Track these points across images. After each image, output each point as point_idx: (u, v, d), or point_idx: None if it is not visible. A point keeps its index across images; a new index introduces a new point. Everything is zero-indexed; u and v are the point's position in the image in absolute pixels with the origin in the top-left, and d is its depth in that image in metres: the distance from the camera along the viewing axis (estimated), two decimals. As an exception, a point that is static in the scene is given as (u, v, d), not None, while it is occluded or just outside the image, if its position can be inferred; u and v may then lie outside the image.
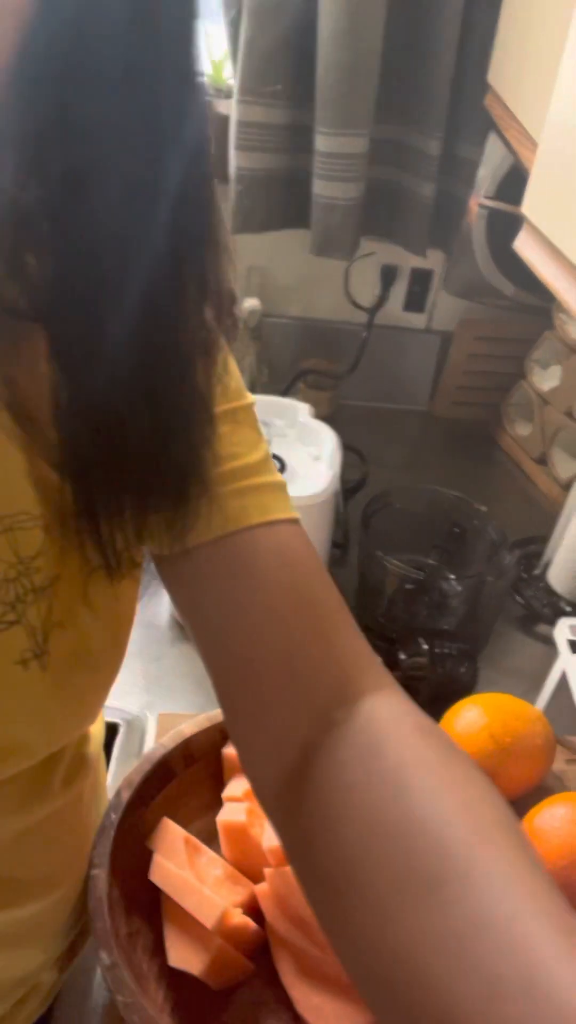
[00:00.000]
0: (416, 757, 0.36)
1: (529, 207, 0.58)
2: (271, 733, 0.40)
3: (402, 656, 0.77)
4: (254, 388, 1.23)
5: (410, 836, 0.32)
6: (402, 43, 0.97)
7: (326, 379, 1.26)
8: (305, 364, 1.27)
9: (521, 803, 0.65)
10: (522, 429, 1.24)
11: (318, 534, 0.91)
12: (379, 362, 1.29)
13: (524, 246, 0.58)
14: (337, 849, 0.35)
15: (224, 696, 0.42)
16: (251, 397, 0.44)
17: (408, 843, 0.32)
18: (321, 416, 1.07)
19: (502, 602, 0.92)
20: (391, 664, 0.77)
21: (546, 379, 1.19)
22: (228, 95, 1.05)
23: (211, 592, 0.41)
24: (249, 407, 0.44)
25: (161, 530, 0.39)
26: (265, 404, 0.95)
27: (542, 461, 1.19)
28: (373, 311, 1.26)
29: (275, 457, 0.87)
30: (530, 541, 1.03)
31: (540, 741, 0.67)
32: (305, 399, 1.23)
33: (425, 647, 0.77)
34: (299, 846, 0.38)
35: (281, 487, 0.43)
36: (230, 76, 1.05)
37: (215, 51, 1.13)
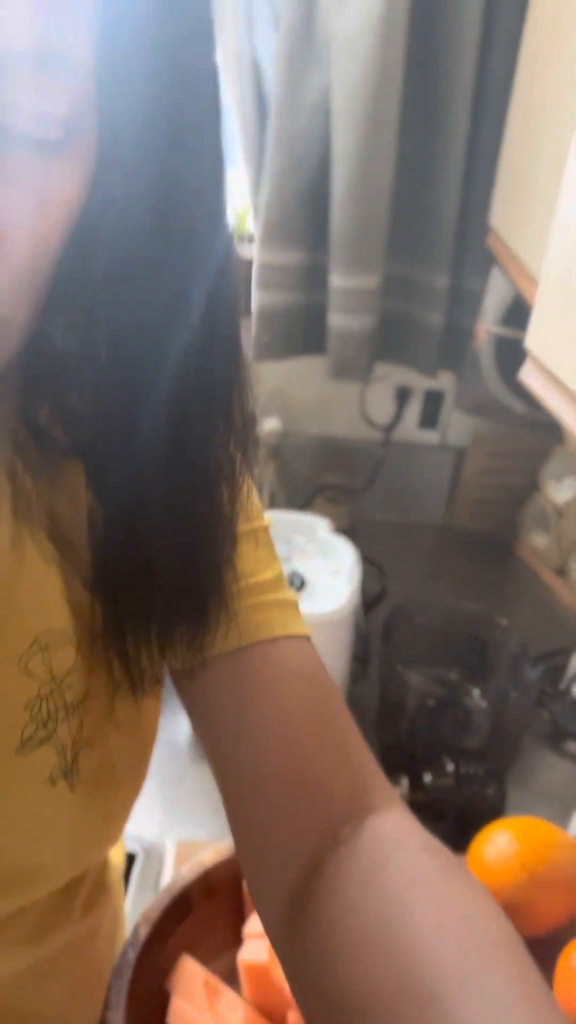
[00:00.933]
0: (417, 876, 0.35)
1: (533, 341, 0.62)
2: (279, 849, 0.40)
3: (427, 778, 0.76)
4: (274, 504, 1.26)
5: (406, 954, 0.32)
6: (409, 191, 1.06)
7: (344, 494, 1.30)
8: (323, 480, 1.31)
9: (556, 938, 0.61)
10: (539, 540, 1.26)
11: (339, 648, 0.91)
12: (395, 477, 1.33)
13: (530, 377, 0.62)
14: (335, 970, 0.34)
15: (233, 811, 0.42)
16: (267, 519, 0.47)
17: (404, 962, 0.31)
18: (339, 530, 1.10)
19: (527, 718, 0.91)
20: (415, 785, 0.76)
21: (560, 492, 1.21)
22: (251, 240, 1.14)
23: (225, 704, 0.42)
24: (266, 528, 0.46)
25: (182, 644, 0.41)
26: (285, 520, 0.98)
27: (561, 572, 1.19)
28: (388, 429, 1.31)
29: (295, 573, 0.89)
30: (554, 654, 1.02)
31: (574, 870, 0.64)
32: (323, 513, 1.26)
33: (450, 768, 0.76)
34: (298, 966, 0.37)
35: (294, 605, 0.45)
36: (252, 224, 1.15)
37: (238, 203, 1.24)
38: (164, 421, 0.34)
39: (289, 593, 0.45)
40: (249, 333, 1.14)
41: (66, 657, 0.39)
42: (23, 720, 0.38)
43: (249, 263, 1.14)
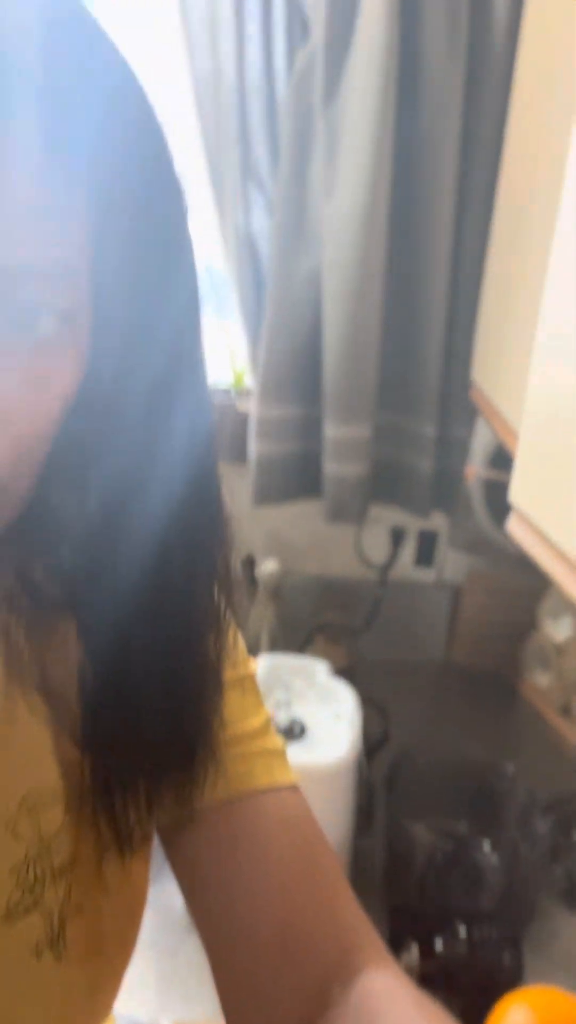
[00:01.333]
0: None
1: (516, 495, 0.65)
2: (268, 1014, 0.38)
3: (439, 945, 0.72)
4: (274, 645, 1.26)
5: None
6: (396, 350, 1.14)
7: (343, 633, 1.30)
8: (322, 619, 1.31)
9: None
10: (541, 678, 1.25)
11: (342, 798, 0.88)
12: (393, 616, 1.34)
13: (516, 529, 0.64)
14: None
15: (221, 974, 0.40)
16: (253, 666, 0.47)
17: None
18: (339, 670, 1.09)
19: (541, 873, 0.87)
20: (426, 953, 0.71)
21: (558, 629, 1.22)
22: (249, 395, 1.21)
23: (212, 859, 0.41)
24: (252, 676, 0.47)
25: (170, 796, 0.40)
26: (284, 664, 0.98)
27: (566, 712, 1.18)
28: (385, 569, 1.33)
29: (295, 720, 0.88)
30: (564, 801, 0.99)
31: (600, 1050, 0.60)
32: (322, 653, 1.26)
33: (463, 932, 0.72)
34: None
35: (281, 753, 0.45)
36: (250, 381, 1.22)
37: (237, 362, 1.33)
38: (150, 574, 0.36)
39: (276, 741, 0.45)
40: (248, 480, 1.19)
41: (54, 817, 0.38)
42: (9, 886, 0.37)
43: (247, 416, 1.21)
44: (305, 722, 0.89)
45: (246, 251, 1.14)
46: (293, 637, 1.29)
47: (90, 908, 0.39)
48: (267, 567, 1.26)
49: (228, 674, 0.43)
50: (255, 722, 0.45)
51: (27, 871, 0.37)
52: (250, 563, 1.31)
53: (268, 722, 0.46)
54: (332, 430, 1.13)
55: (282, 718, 0.87)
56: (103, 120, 0.26)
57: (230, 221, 1.14)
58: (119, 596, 0.36)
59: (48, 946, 0.37)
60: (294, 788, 0.44)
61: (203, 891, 0.41)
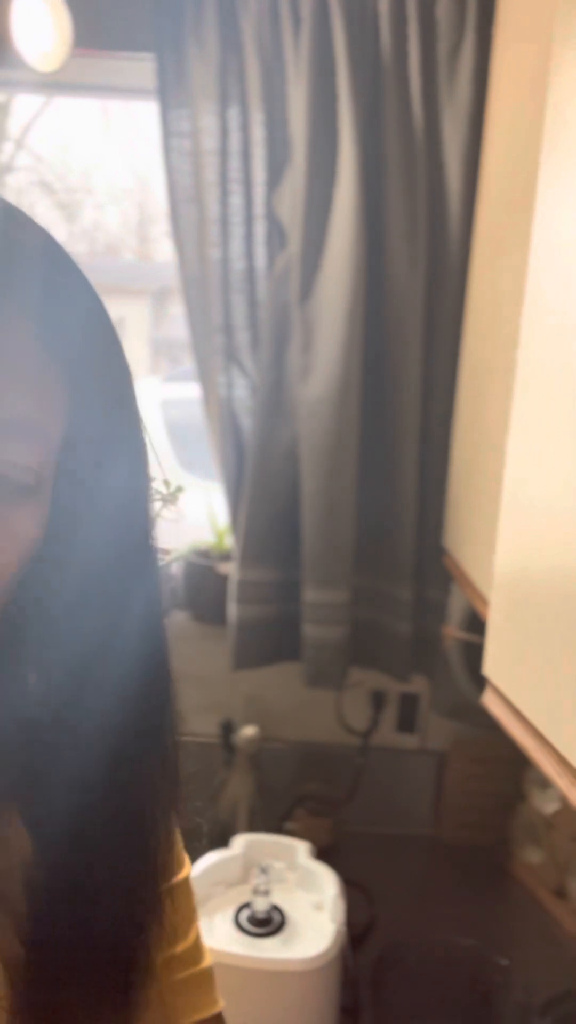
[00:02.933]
0: None
1: (489, 668, 0.66)
2: None
3: None
4: (253, 816, 1.21)
5: None
6: (371, 518, 1.18)
7: (326, 805, 1.25)
8: (303, 789, 1.26)
9: None
10: (533, 855, 1.19)
11: (324, 998, 0.81)
12: (377, 785, 1.29)
13: (491, 704, 0.65)
14: None
15: None
16: (189, 867, 0.46)
17: None
18: (322, 846, 1.04)
19: None
20: None
21: (547, 801, 1.18)
22: (229, 559, 1.24)
23: None
24: (187, 879, 0.45)
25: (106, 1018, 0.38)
26: (264, 844, 0.93)
27: (560, 894, 1.11)
28: (366, 735, 1.30)
29: (275, 908, 0.83)
30: (562, 999, 0.92)
31: None
32: (304, 827, 1.21)
33: None
34: None
35: (209, 975, 0.44)
36: (230, 544, 1.26)
37: (219, 522, 1.37)
38: (99, 763, 0.36)
39: (205, 959, 0.44)
40: (228, 643, 1.19)
41: None
42: None
43: (226, 579, 1.23)
44: (285, 910, 0.84)
45: (228, 424, 1.21)
46: (273, 808, 1.24)
47: None
48: (246, 733, 1.23)
49: (169, 883, 0.42)
50: (189, 939, 0.43)
51: None
52: (228, 728, 1.28)
53: (198, 936, 0.44)
54: (311, 594, 1.15)
55: (260, 906, 0.81)
56: (73, 324, 0.32)
57: (214, 397, 1.21)
58: (65, 788, 0.36)
59: None
60: (220, 1016, 0.43)
61: None
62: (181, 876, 0.45)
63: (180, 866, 0.45)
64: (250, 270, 1.16)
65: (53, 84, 1.33)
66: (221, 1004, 0.44)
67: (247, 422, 1.21)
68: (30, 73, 1.10)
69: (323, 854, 0.98)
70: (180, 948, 0.42)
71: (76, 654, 0.35)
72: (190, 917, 0.44)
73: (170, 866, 0.43)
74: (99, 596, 0.35)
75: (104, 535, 0.35)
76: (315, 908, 0.86)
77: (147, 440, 0.37)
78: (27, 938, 0.36)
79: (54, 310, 0.31)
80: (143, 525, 0.37)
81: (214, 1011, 0.43)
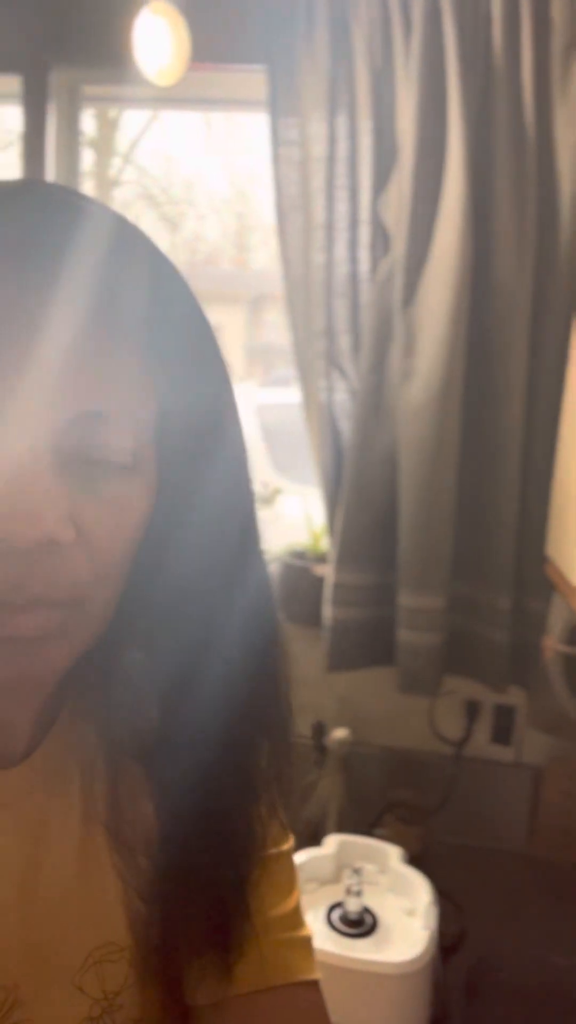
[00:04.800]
0: None
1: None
2: None
3: None
4: (342, 819, 1.21)
5: None
6: (470, 524, 1.16)
7: (416, 813, 1.23)
8: (393, 796, 1.26)
9: None
10: None
11: (414, 1004, 0.81)
12: (469, 796, 1.27)
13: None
14: None
15: None
16: (291, 841, 0.47)
17: None
18: (412, 854, 1.03)
19: None
20: None
21: None
22: (325, 560, 1.25)
23: None
24: (289, 853, 0.47)
25: (212, 972, 0.40)
26: (355, 846, 0.93)
27: None
28: (460, 745, 1.28)
29: (366, 910, 0.83)
30: None
31: None
32: (394, 833, 1.20)
33: None
34: None
35: (308, 943, 0.45)
36: (327, 546, 1.27)
37: (315, 524, 1.38)
38: (216, 731, 0.38)
39: (305, 928, 0.45)
40: (323, 644, 1.20)
41: (119, 972, 0.38)
42: None
43: (322, 580, 1.24)
44: (377, 914, 0.83)
45: (327, 427, 1.22)
46: (363, 813, 1.23)
47: None
48: (337, 735, 1.24)
49: (271, 851, 0.44)
50: (288, 905, 0.45)
51: None
52: (320, 730, 1.28)
53: (299, 905, 0.46)
54: (406, 599, 1.14)
55: (352, 907, 0.82)
56: (172, 323, 0.34)
57: (313, 401, 1.23)
58: (188, 754, 0.38)
59: None
60: (314, 984, 0.43)
61: None
62: (283, 848, 0.46)
63: (282, 839, 0.46)
64: (353, 275, 1.17)
65: (166, 98, 1.38)
66: (319, 974, 0.44)
67: (346, 426, 1.22)
68: (146, 88, 1.15)
69: (412, 862, 0.97)
70: (279, 911, 0.44)
71: (191, 633, 0.37)
72: (289, 886, 0.45)
73: (274, 835, 0.45)
74: (210, 572, 0.37)
75: (209, 519, 0.37)
76: (407, 914, 0.86)
77: (244, 435, 0.39)
78: (149, 893, 0.39)
79: (155, 310, 0.33)
80: (247, 510, 0.39)
81: (311, 976, 0.43)
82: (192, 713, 0.38)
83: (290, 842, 0.47)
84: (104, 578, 0.33)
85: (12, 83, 1.35)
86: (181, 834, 0.39)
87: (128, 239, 0.34)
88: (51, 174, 1.40)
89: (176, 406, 0.35)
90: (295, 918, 0.45)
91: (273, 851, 0.45)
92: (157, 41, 1.00)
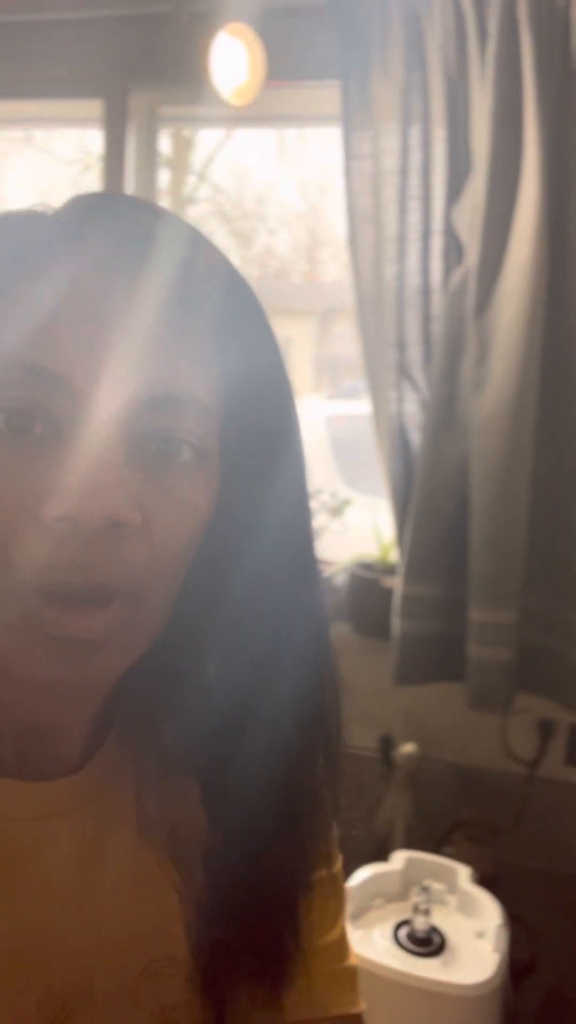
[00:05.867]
0: None
1: None
2: None
3: None
4: (409, 837, 1.19)
5: None
6: (544, 534, 1.14)
7: (486, 833, 1.20)
8: (461, 814, 1.23)
9: None
10: None
11: (483, 1033, 0.78)
12: (542, 818, 1.23)
13: None
14: None
15: None
16: (339, 863, 0.46)
17: None
18: (482, 874, 1.00)
19: None
20: None
21: None
22: (394, 572, 1.24)
23: None
24: (338, 875, 0.46)
25: (260, 999, 0.40)
26: (423, 863, 0.92)
27: None
28: (532, 765, 1.24)
29: (434, 930, 0.81)
30: None
31: None
32: (462, 852, 1.17)
33: None
34: None
35: (353, 974, 0.44)
36: (396, 558, 1.25)
37: (384, 536, 1.37)
38: (269, 747, 0.38)
39: (350, 958, 0.44)
40: (391, 656, 1.19)
41: (176, 987, 0.38)
42: None
43: (391, 592, 1.23)
44: (445, 933, 0.82)
45: (397, 438, 1.22)
46: (430, 830, 1.21)
47: None
48: (404, 749, 1.22)
49: (321, 872, 0.43)
50: (335, 933, 0.44)
51: None
52: (387, 743, 1.27)
53: (345, 933, 0.45)
54: (477, 613, 1.12)
55: (420, 925, 0.80)
56: (240, 332, 0.36)
57: (384, 412, 1.22)
58: (242, 770, 0.38)
59: None
60: (359, 1017, 0.43)
61: None
62: (333, 870, 0.45)
63: (333, 860, 0.46)
64: (425, 285, 1.16)
65: (241, 116, 1.41)
66: (363, 1006, 0.44)
67: (416, 437, 1.21)
68: (222, 108, 1.18)
69: (481, 883, 0.95)
70: (327, 940, 0.43)
71: (249, 646, 0.37)
72: (337, 911, 0.45)
73: (328, 855, 0.44)
74: (270, 584, 0.37)
75: (269, 529, 0.37)
76: (476, 935, 0.83)
77: (304, 449, 0.39)
78: (202, 904, 0.39)
79: (225, 309, 0.35)
80: (305, 522, 0.39)
81: (356, 1010, 0.43)
82: (247, 728, 0.38)
83: (339, 864, 0.46)
84: (162, 572, 0.33)
85: (94, 107, 1.41)
86: (233, 849, 0.39)
87: (201, 245, 0.36)
88: (130, 191, 1.45)
89: (239, 409, 0.35)
90: (341, 947, 0.44)
91: (323, 873, 0.44)
92: (233, 62, 1.03)
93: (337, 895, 0.45)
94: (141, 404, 0.32)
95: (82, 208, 0.34)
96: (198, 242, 0.36)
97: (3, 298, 0.32)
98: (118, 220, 0.34)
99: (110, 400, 0.31)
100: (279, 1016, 0.40)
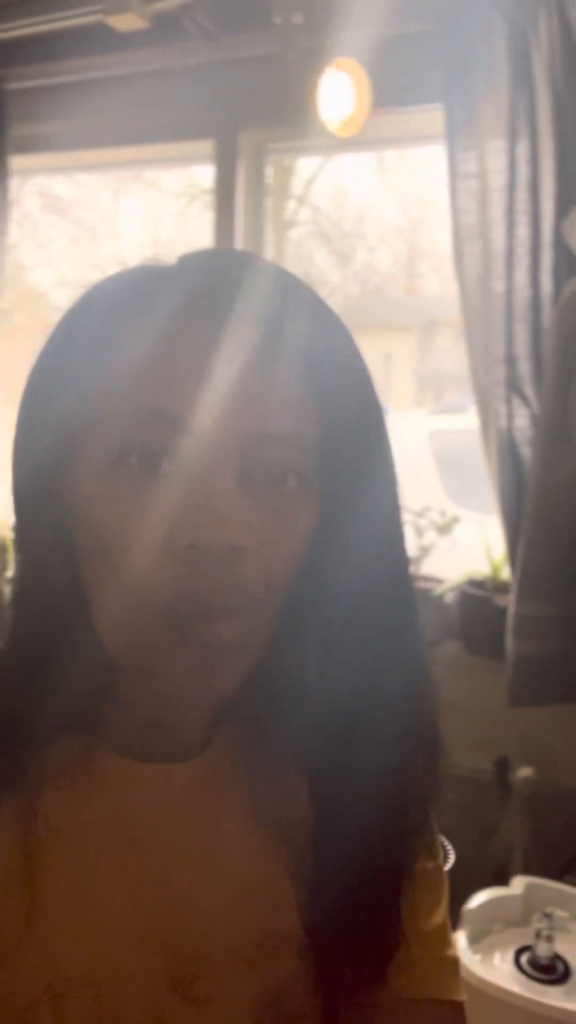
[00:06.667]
0: None
1: None
2: None
3: None
4: (528, 864, 1.16)
5: None
6: None
7: (609, 862, 1.16)
8: (584, 841, 1.19)
9: None
10: None
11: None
12: None
13: None
14: None
15: None
16: (440, 858, 0.48)
17: None
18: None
19: None
20: None
21: None
22: (505, 590, 1.22)
23: None
24: (438, 869, 0.47)
25: (366, 974, 0.41)
26: (544, 890, 0.90)
27: None
28: None
29: (558, 957, 0.80)
30: None
31: None
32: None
33: None
34: None
35: (455, 964, 0.45)
36: (508, 575, 1.24)
37: (495, 553, 1.35)
38: (373, 752, 0.40)
39: (453, 948, 0.45)
40: (505, 678, 1.17)
41: (288, 963, 0.40)
42: None
43: (504, 611, 1.21)
44: (568, 959, 0.80)
45: (508, 454, 1.20)
46: (551, 857, 1.18)
47: None
48: (522, 773, 1.19)
49: (426, 863, 0.45)
50: (434, 921, 0.45)
51: (262, 1014, 0.39)
52: (504, 766, 1.25)
53: (446, 923, 0.46)
54: (597, 633, 1.09)
55: (543, 952, 0.79)
56: (331, 365, 0.38)
57: (493, 428, 1.21)
58: (345, 764, 0.40)
59: None
60: (460, 1006, 0.44)
61: None
62: (437, 862, 0.47)
63: (434, 854, 0.47)
64: (535, 299, 1.15)
65: (344, 144, 1.44)
66: (464, 996, 0.44)
67: (527, 452, 1.19)
68: (328, 139, 1.21)
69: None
70: (430, 925, 0.45)
71: (346, 651, 0.40)
72: (436, 902, 0.46)
73: (431, 846, 0.46)
74: (368, 596, 0.40)
75: (367, 545, 0.40)
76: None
77: (396, 470, 0.41)
78: (314, 886, 0.41)
79: (316, 348, 0.37)
80: (399, 539, 0.42)
81: (459, 998, 0.44)
82: (352, 734, 0.40)
83: (439, 858, 0.48)
84: (274, 590, 0.37)
85: (206, 146, 1.48)
86: (341, 841, 0.41)
87: (292, 289, 0.39)
88: (239, 223, 1.51)
89: (335, 436, 0.38)
90: (443, 935, 0.46)
91: (429, 864, 0.46)
92: (340, 95, 1.06)
93: (440, 886, 0.47)
94: (252, 440, 0.35)
95: (185, 263, 0.38)
96: (288, 284, 0.39)
97: (125, 350, 0.36)
98: (216, 271, 0.37)
99: (225, 439, 0.35)
100: (384, 993, 0.42)
